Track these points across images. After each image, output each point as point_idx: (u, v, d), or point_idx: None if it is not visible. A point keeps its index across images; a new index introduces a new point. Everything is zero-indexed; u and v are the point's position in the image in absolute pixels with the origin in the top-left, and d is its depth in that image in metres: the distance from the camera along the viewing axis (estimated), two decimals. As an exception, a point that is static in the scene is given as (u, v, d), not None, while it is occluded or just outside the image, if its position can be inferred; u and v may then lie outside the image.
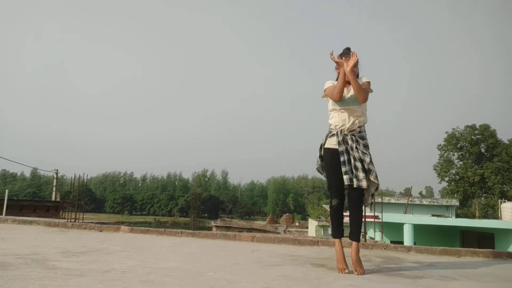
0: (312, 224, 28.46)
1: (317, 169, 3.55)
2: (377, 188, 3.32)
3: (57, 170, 28.62)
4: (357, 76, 3.31)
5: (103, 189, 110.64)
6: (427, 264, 3.87)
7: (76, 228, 6.13)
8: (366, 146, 3.29)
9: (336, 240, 3.26)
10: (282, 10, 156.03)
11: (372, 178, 3.20)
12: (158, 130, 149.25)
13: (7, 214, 10.80)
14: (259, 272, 3.03)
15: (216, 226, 13.78)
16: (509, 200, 26.30)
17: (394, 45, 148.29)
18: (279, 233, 10.66)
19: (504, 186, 40.16)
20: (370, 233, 14.72)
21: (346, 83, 3.28)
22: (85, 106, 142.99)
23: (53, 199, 25.70)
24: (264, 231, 11.89)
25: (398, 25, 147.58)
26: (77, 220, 7.19)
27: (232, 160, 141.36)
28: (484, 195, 42.83)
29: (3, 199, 12.19)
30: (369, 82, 3.32)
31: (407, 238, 16.80)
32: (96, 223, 6.90)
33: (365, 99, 3.23)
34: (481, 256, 4.53)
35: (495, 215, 31.05)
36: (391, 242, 11.63)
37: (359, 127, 3.31)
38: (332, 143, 3.33)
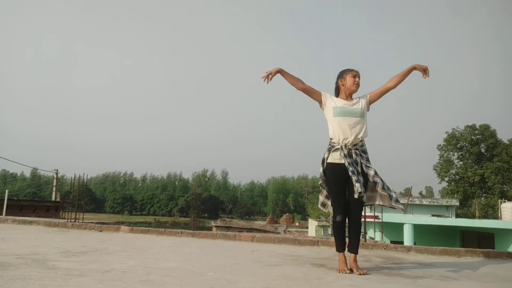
0: (312, 224, 28.49)
1: (320, 184, 3.45)
2: (397, 200, 3.23)
3: (57, 170, 28.64)
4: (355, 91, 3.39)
5: (103, 189, 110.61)
6: (427, 264, 3.88)
7: (76, 228, 6.14)
8: (368, 160, 3.28)
9: (340, 254, 3.22)
10: (282, 10, 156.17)
11: (379, 189, 3.18)
12: (158, 130, 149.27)
13: (7, 214, 10.80)
14: (259, 272, 3.03)
15: (216, 226, 13.76)
16: (509, 200, 26.29)
17: (394, 44, 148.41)
18: (279, 233, 10.65)
19: (504, 186, 40.11)
20: (370, 233, 14.71)
21: (349, 96, 3.36)
22: (85, 106, 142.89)
23: (53, 199, 25.68)
24: (264, 231, 11.88)
25: (398, 25, 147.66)
26: (77, 220, 7.20)
27: (232, 160, 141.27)
28: (484, 195, 42.78)
29: (3, 199, 12.18)
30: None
31: (407, 238, 16.82)
32: (96, 223, 6.91)
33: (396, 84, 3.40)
34: (481, 256, 4.53)
35: (495, 215, 31.04)
36: (391, 242, 11.64)
37: (361, 140, 3.29)
38: (335, 158, 3.26)
